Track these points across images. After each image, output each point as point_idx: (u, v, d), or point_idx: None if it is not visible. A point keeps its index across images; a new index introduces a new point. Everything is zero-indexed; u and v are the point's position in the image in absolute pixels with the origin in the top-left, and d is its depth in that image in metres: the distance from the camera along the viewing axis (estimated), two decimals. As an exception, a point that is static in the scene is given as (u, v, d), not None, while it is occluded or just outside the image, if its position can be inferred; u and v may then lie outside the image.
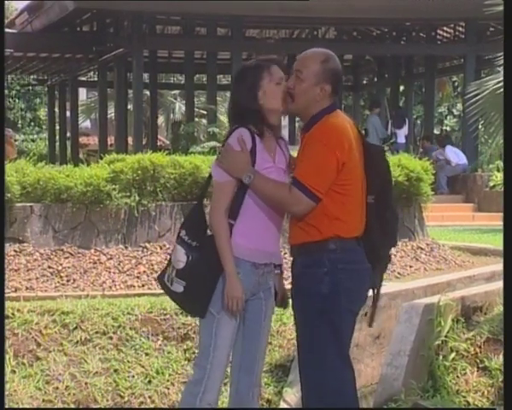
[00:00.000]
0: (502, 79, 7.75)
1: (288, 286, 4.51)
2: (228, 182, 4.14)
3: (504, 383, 4.13)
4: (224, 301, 4.10)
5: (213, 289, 4.13)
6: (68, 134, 25.29)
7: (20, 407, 6.61)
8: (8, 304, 7.45)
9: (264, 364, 4.39)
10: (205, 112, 22.81)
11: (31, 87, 28.55)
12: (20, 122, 29.51)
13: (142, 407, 6.88)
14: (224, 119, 23.55)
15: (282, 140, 4.33)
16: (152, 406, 6.89)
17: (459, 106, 28.76)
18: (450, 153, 18.80)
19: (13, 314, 7.31)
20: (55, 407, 6.73)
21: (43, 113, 29.78)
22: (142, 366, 7.09)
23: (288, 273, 4.43)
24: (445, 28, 21.19)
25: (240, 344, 4.29)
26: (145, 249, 9.05)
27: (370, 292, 4.34)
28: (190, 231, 4.20)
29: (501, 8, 7.48)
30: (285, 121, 28.42)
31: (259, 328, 4.27)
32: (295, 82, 4.20)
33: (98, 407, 6.79)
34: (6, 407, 6.39)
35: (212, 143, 16.92)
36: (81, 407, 6.79)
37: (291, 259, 4.37)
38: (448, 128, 29.11)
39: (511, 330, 4.00)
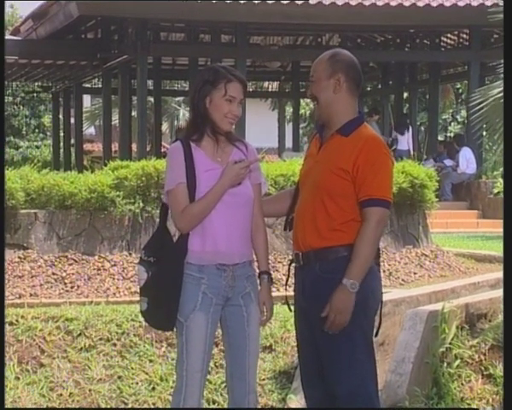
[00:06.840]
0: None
1: (287, 294, 4.49)
2: (177, 186, 4.16)
3: (504, 389, 4.12)
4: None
5: (175, 298, 4.11)
6: (73, 141, 25.29)
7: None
8: (12, 311, 7.46)
9: (257, 370, 4.33)
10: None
11: (35, 94, 28.54)
12: (24, 129, 29.52)
13: (146, 413, 6.87)
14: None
15: (243, 144, 4.28)
16: (156, 413, 6.88)
17: (463, 113, 28.73)
18: (462, 158, 18.49)
19: (17, 321, 7.31)
20: (59, 413, 6.72)
21: (47, 119, 29.79)
22: (146, 373, 7.08)
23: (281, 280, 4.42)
24: (448, 35, 21.17)
25: (227, 353, 4.27)
26: (149, 256, 9.03)
27: None
28: (149, 249, 4.25)
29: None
30: (289, 127, 28.37)
31: (244, 335, 4.21)
32: (311, 87, 4.24)
33: (102, 413, 6.79)
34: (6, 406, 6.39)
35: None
36: (85, 413, 6.79)
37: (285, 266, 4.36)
38: (452, 135, 29.11)
39: (511, 337, 3.99)
